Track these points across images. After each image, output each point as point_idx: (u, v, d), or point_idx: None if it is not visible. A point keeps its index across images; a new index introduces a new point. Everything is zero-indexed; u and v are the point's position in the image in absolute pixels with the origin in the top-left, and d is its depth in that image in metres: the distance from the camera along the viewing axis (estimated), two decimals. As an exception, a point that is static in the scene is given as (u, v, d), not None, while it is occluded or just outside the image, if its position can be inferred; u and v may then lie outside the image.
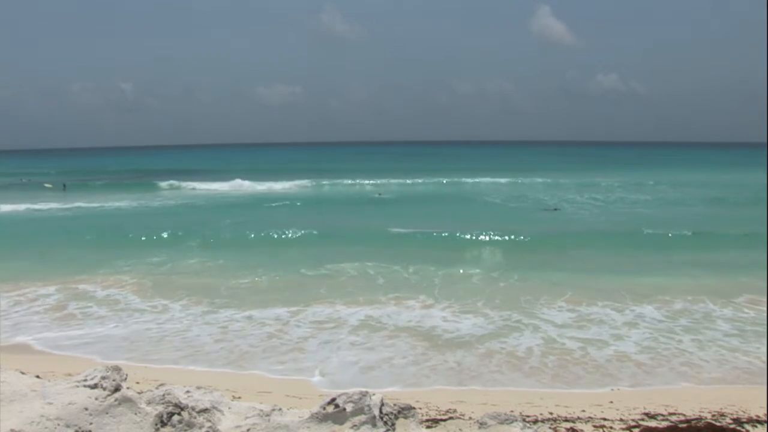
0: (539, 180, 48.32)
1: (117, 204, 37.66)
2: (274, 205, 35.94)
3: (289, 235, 22.67)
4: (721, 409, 8.58)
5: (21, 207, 35.08)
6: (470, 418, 6.40)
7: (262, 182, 48.83)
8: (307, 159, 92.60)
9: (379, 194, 40.63)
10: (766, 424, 7.89)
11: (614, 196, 39.69)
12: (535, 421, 7.94)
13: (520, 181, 47.90)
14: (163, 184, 49.44)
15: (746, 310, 14.01)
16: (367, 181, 48.68)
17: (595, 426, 7.88)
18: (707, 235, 23.06)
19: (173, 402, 3.32)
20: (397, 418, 3.46)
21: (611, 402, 9.00)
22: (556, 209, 33.39)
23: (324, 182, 48.63)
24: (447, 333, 12.77)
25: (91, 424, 3.09)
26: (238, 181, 48.55)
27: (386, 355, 11.40)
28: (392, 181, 48.48)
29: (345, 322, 13.43)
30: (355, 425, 3.33)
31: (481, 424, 3.55)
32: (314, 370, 10.72)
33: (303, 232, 23.05)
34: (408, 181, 48.51)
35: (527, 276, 17.80)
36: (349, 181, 48.88)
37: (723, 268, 18.00)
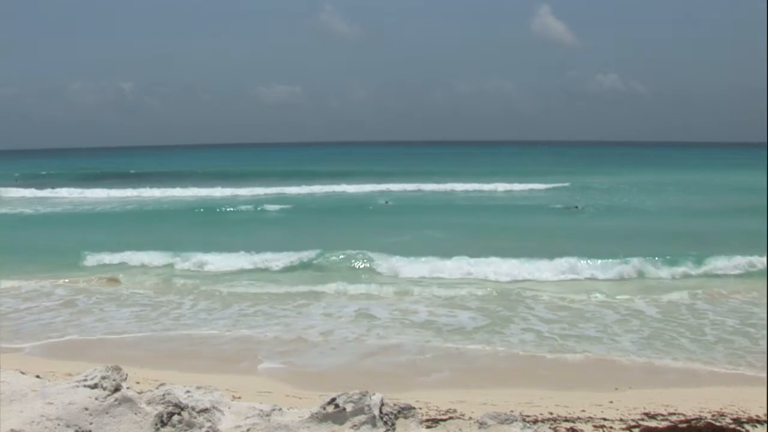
0: (551, 182, 46.30)
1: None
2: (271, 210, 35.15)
3: (283, 246, 21.49)
4: (721, 409, 8.57)
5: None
6: (470, 418, 6.40)
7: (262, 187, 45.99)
8: (308, 160, 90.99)
9: (386, 202, 37.36)
10: (766, 424, 7.89)
11: (640, 196, 38.67)
12: (535, 421, 7.94)
13: (528, 185, 45.21)
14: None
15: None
16: (371, 187, 45.33)
17: (595, 426, 7.88)
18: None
19: (173, 402, 3.33)
20: (397, 418, 3.46)
21: (611, 402, 9.00)
22: (576, 207, 32.56)
23: (325, 186, 45.34)
24: (446, 326, 12.92)
25: (91, 424, 3.09)
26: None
27: (386, 353, 11.42)
28: (398, 186, 45.64)
29: (344, 319, 13.56)
30: (355, 425, 3.33)
31: (481, 424, 3.54)
32: (312, 367, 10.74)
33: (299, 244, 21.74)
34: (414, 187, 45.74)
35: (532, 276, 17.79)
36: (352, 186, 45.55)
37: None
